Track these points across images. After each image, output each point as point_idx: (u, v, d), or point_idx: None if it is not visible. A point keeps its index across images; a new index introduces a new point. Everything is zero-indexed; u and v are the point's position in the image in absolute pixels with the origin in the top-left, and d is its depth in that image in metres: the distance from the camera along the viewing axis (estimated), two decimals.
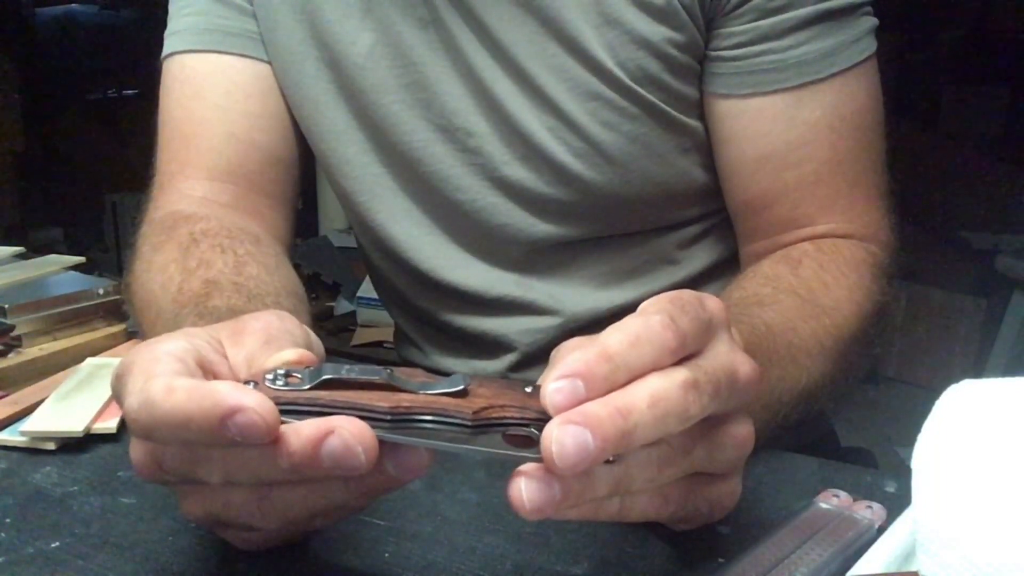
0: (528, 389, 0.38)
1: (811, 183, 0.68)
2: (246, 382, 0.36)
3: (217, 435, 0.34)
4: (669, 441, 0.39)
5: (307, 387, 0.36)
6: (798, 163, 0.67)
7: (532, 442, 0.36)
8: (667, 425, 0.36)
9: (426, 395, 0.37)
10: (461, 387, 0.37)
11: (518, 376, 0.79)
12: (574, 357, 0.36)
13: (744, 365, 0.41)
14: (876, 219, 0.70)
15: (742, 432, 0.42)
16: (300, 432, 0.35)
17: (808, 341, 0.58)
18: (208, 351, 0.40)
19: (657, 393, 0.36)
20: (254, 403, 0.34)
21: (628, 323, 0.37)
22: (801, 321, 0.59)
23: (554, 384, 0.35)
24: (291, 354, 0.39)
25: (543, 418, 0.35)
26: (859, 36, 0.66)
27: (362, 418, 0.35)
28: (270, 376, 0.36)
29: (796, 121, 0.66)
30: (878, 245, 0.70)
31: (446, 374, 0.39)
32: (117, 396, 0.39)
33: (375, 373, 0.36)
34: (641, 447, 0.37)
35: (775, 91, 0.66)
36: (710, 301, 0.41)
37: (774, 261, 0.67)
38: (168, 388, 0.35)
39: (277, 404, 0.35)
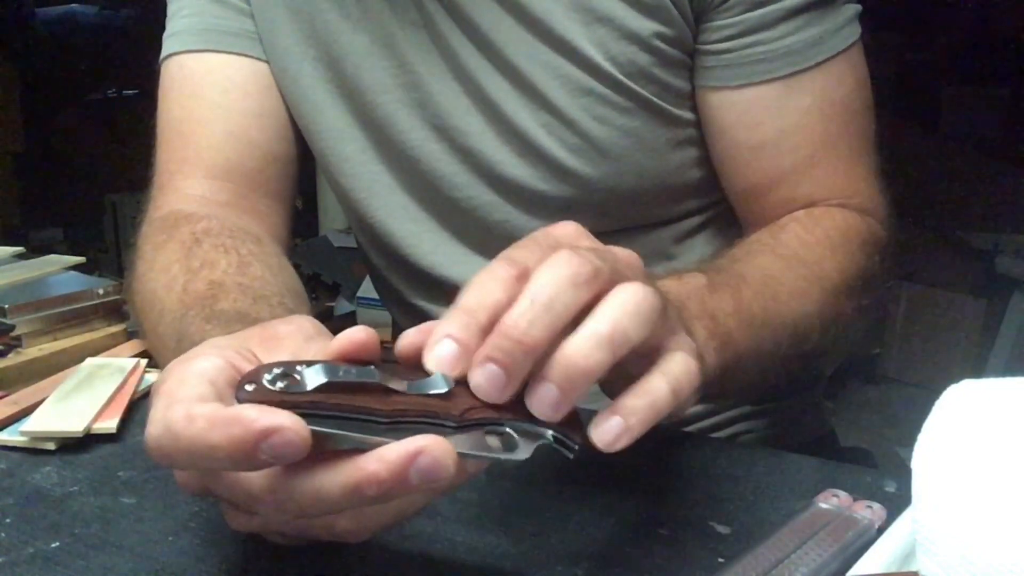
0: None
1: (807, 166, 0.69)
2: (247, 382, 0.36)
3: (248, 461, 0.34)
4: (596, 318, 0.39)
5: (309, 389, 0.36)
6: (793, 149, 0.69)
7: (510, 437, 0.38)
8: (565, 300, 0.37)
9: (416, 396, 0.37)
10: (446, 389, 0.37)
11: None
12: (436, 328, 0.38)
13: (618, 249, 0.42)
14: (873, 195, 0.71)
15: (638, 296, 0.40)
16: (386, 458, 0.35)
17: (788, 284, 0.60)
18: (242, 362, 0.39)
19: (534, 289, 0.37)
20: (289, 422, 0.34)
21: (472, 279, 0.39)
22: (778, 270, 0.61)
23: (433, 356, 0.37)
24: (360, 331, 0.39)
25: (518, 416, 0.38)
26: (844, 23, 0.68)
27: (362, 420, 0.36)
28: (269, 376, 0.36)
29: (788, 109, 0.68)
30: (877, 219, 0.71)
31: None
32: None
33: (368, 375, 0.37)
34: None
35: (765, 81, 0.67)
36: (556, 228, 0.43)
37: (760, 231, 0.68)
38: (188, 416, 0.34)
39: (280, 405, 0.35)
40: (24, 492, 0.51)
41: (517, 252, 0.40)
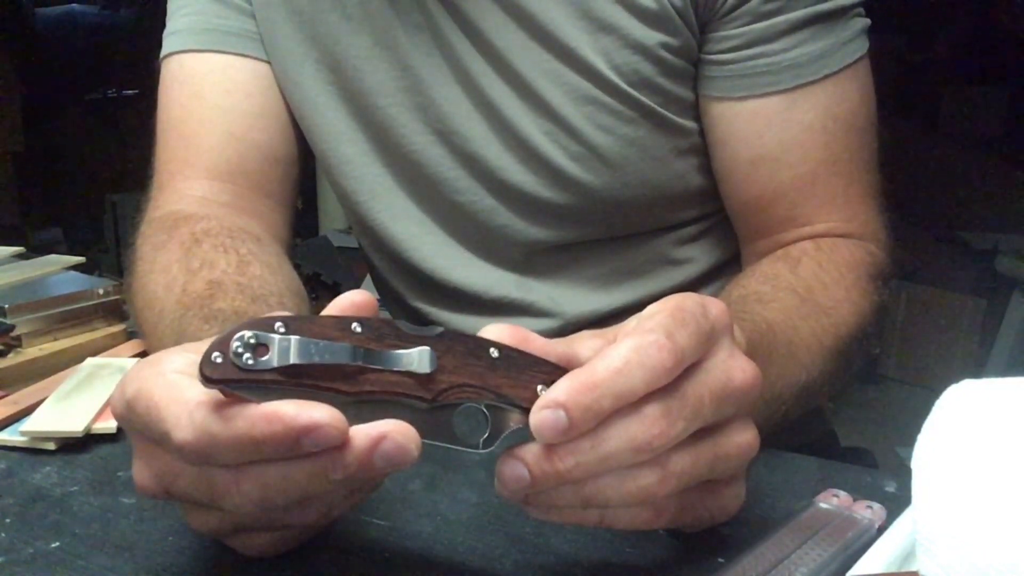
0: (494, 354, 0.39)
1: (807, 183, 0.68)
2: (216, 349, 0.35)
3: (290, 452, 0.35)
4: (662, 463, 0.39)
5: (275, 366, 0.35)
6: (793, 164, 0.68)
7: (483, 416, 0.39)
8: (625, 461, 0.38)
9: (390, 376, 0.37)
10: (428, 371, 0.37)
11: None
12: (561, 386, 0.37)
13: (740, 371, 0.41)
14: (872, 218, 0.70)
15: (744, 439, 0.42)
16: (352, 443, 0.35)
17: (808, 339, 0.58)
18: None
19: (609, 451, 0.37)
20: (327, 418, 0.35)
21: (622, 346, 0.38)
22: (801, 319, 0.59)
23: (540, 414, 0.37)
24: (357, 294, 0.39)
25: (498, 398, 0.38)
26: (851, 37, 0.66)
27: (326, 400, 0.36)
28: (238, 345, 0.35)
29: (790, 123, 0.67)
30: (876, 244, 0.70)
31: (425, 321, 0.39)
32: (144, 429, 0.38)
33: (341, 354, 0.36)
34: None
35: (769, 93, 0.66)
36: (713, 307, 0.41)
37: (773, 260, 0.67)
38: (225, 417, 0.35)
39: (242, 383, 0.35)
40: (24, 492, 0.51)
41: (680, 335, 0.38)
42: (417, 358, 0.37)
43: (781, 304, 0.60)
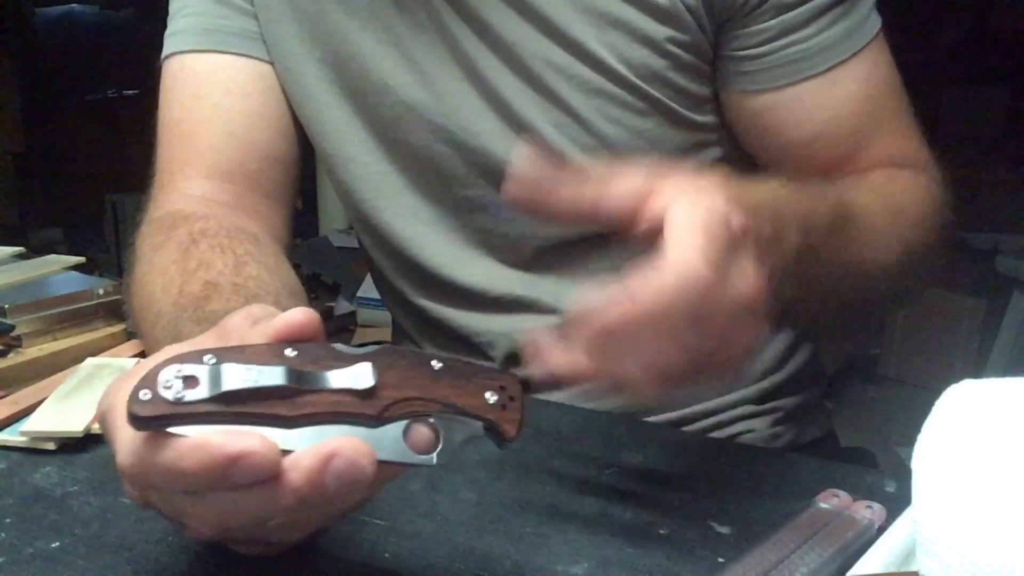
0: (436, 366, 0.38)
1: (863, 148, 0.71)
2: (142, 387, 0.35)
3: (222, 482, 0.35)
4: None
5: (207, 396, 0.35)
6: (848, 135, 0.70)
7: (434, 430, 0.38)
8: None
9: (331, 395, 0.36)
10: (371, 384, 0.37)
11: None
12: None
13: (747, 286, 0.42)
14: (923, 155, 0.74)
15: (747, 283, 0.43)
16: (300, 465, 0.35)
17: (880, 227, 0.63)
18: None
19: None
20: (257, 445, 0.34)
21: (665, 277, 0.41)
22: (879, 209, 0.63)
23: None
24: (298, 312, 0.39)
25: (446, 408, 0.38)
26: (868, 13, 0.70)
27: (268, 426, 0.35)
28: (167, 381, 0.35)
29: (833, 100, 0.69)
30: (931, 177, 0.73)
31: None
32: (107, 436, 0.39)
33: (277, 376, 0.36)
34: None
35: (807, 78, 0.69)
36: (736, 219, 0.43)
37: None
38: (157, 447, 0.35)
39: (174, 417, 0.34)
40: (24, 492, 0.51)
41: (716, 256, 0.42)
42: (354, 374, 0.37)
43: (858, 191, 0.64)
